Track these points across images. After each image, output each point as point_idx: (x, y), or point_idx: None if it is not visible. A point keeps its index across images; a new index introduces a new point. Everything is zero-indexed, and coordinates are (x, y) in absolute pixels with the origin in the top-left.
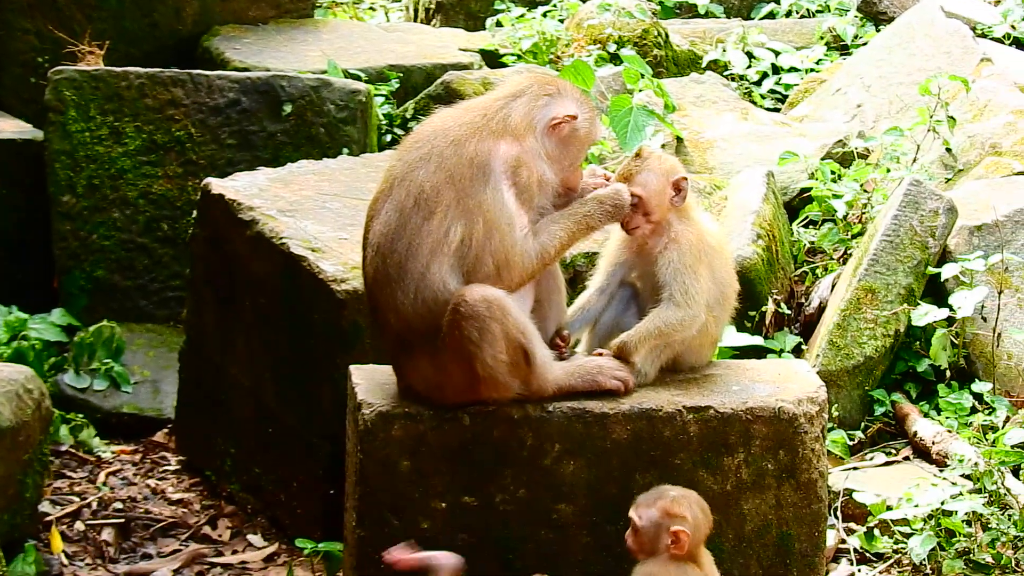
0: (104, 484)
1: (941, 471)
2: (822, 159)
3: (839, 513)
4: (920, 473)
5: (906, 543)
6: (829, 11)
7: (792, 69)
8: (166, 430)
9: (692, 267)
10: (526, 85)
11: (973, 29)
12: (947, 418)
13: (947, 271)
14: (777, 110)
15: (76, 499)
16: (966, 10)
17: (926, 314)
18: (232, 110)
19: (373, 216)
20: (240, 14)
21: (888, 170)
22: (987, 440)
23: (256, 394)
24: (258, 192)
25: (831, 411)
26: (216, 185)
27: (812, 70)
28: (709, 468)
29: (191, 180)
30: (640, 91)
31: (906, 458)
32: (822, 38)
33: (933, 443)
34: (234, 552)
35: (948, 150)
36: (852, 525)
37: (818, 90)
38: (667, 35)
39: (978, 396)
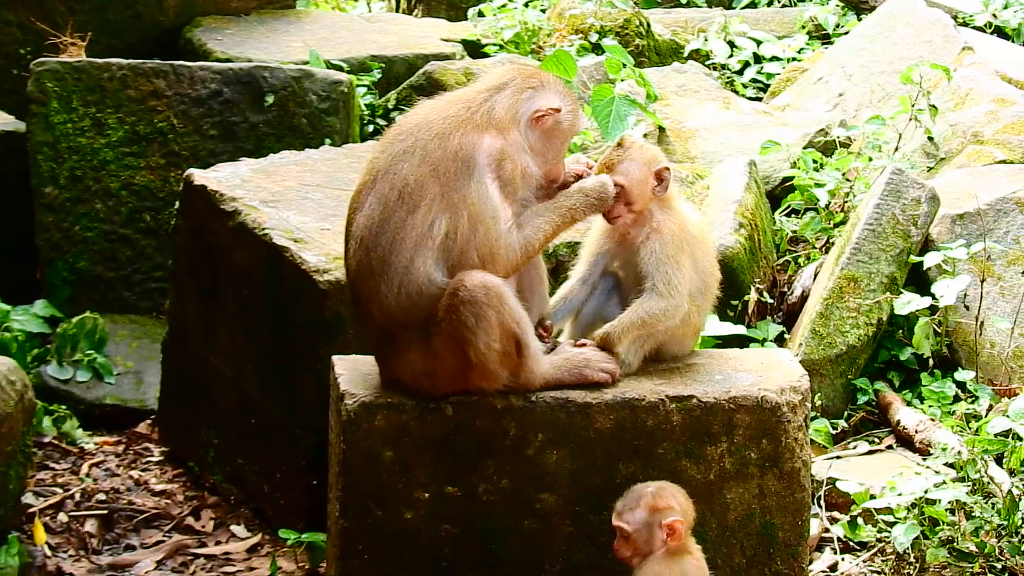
0: (87, 475)
1: (924, 460)
2: (804, 148)
3: (822, 502)
4: (903, 462)
5: (890, 532)
6: (811, 0)
7: (774, 58)
8: (149, 421)
9: (674, 257)
10: (509, 78)
11: (954, 18)
12: (930, 407)
13: (929, 260)
14: (759, 99)
15: (59, 491)
16: None
17: (909, 303)
18: (214, 101)
19: (356, 208)
20: (222, 5)
21: (870, 159)
22: (970, 428)
23: (239, 385)
24: (240, 183)
25: (814, 400)
26: (198, 176)
27: (794, 59)
28: (692, 457)
29: (173, 171)
30: (622, 81)
31: (889, 447)
32: (804, 27)
33: (916, 432)
34: (217, 543)
35: (930, 139)
36: (835, 514)
37: (800, 79)
38: (649, 24)
39: (961, 384)
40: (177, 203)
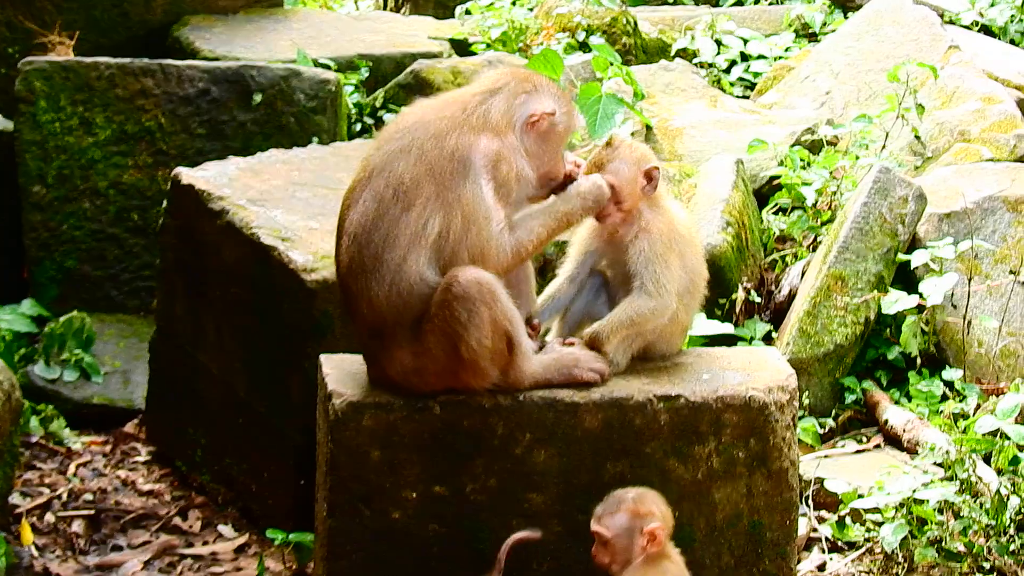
0: (74, 475)
1: (912, 459)
2: (791, 146)
3: (810, 501)
4: (891, 461)
5: (878, 531)
6: None
7: (761, 56)
8: (136, 421)
9: (663, 256)
10: (504, 81)
11: (941, 16)
12: (918, 406)
13: (917, 258)
14: (746, 97)
15: (46, 491)
16: None
17: (896, 301)
18: (202, 100)
19: (350, 205)
20: (210, 4)
21: (857, 157)
22: (958, 428)
23: (227, 384)
24: (228, 182)
25: (802, 399)
26: (186, 175)
27: (781, 57)
28: (680, 457)
29: (161, 170)
30: (609, 79)
31: (877, 446)
32: (791, 25)
33: (904, 431)
34: (205, 543)
35: (917, 137)
36: (823, 513)
37: (787, 77)
38: (636, 23)
39: (949, 383)
40: (165, 202)
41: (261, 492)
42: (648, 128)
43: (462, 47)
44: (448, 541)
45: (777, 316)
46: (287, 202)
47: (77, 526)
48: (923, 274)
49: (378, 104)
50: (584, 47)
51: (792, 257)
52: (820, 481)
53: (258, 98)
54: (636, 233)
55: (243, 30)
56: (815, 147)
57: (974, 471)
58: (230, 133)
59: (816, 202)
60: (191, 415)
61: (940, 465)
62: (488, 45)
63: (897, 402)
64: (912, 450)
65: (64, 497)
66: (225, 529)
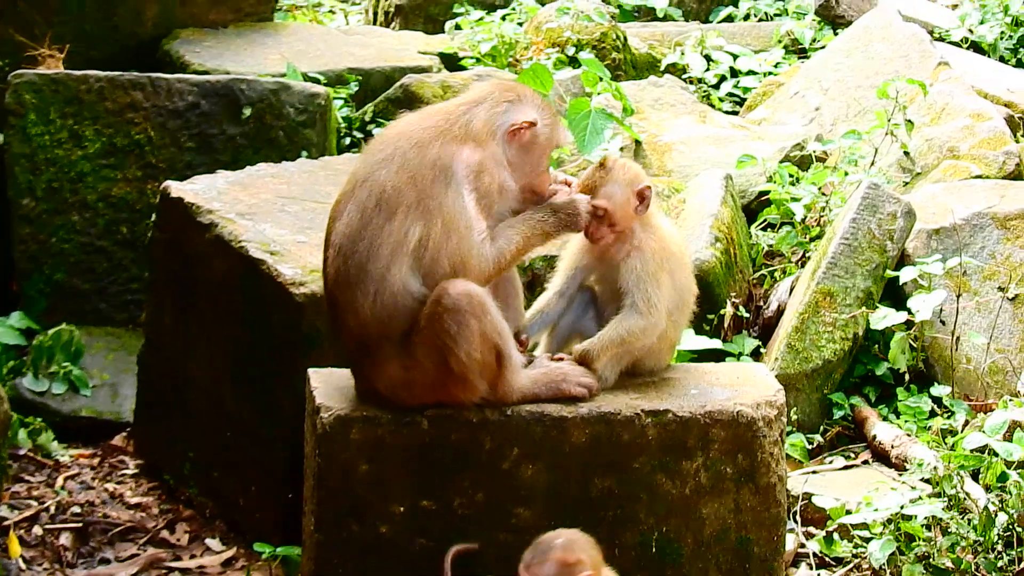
0: (62, 488)
1: (900, 475)
2: (780, 162)
3: (798, 517)
4: (879, 477)
5: (866, 547)
6: (787, 15)
7: (750, 72)
8: (125, 434)
9: (655, 275)
10: (488, 92)
11: (930, 33)
12: (906, 422)
13: (905, 274)
14: (735, 113)
15: (34, 503)
16: (923, 14)
17: (884, 317)
18: (191, 113)
19: (336, 217)
20: (200, 17)
21: (846, 173)
22: (946, 444)
23: (215, 398)
24: (217, 195)
25: (790, 414)
26: (175, 188)
27: (770, 73)
28: (668, 472)
29: (150, 183)
30: (598, 94)
31: (865, 462)
32: (780, 41)
33: (892, 447)
34: (192, 556)
35: (906, 153)
36: (811, 529)
37: (776, 93)
38: (625, 38)
39: (937, 400)
40: (154, 215)
41: (249, 505)
42: (637, 143)
43: (452, 62)
44: (435, 555)
45: (765, 332)
46: (276, 216)
47: (65, 539)
48: (912, 290)
49: (367, 118)
50: (574, 62)
51: (781, 273)
52: (808, 497)
53: (247, 112)
54: (628, 251)
55: (233, 44)
56: (804, 163)
57: (962, 487)
58: (219, 147)
59: (805, 218)
60: (179, 428)
61: (928, 481)
62: (478, 60)
63: (885, 418)
64: (900, 466)
65: (52, 510)
66: (213, 543)
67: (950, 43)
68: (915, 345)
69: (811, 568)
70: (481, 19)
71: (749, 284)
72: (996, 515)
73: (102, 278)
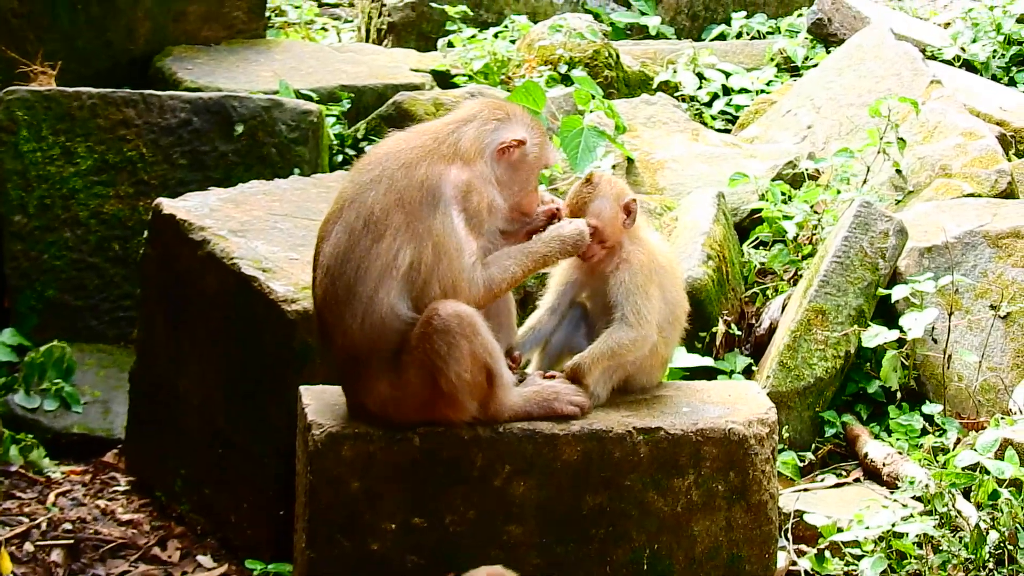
0: (53, 505)
1: (892, 493)
2: (772, 180)
3: (790, 535)
4: (871, 495)
5: (857, 565)
6: (779, 33)
7: (742, 90)
8: (116, 450)
9: (643, 287)
10: (477, 110)
11: (923, 51)
12: (898, 440)
13: (897, 292)
14: (727, 131)
15: (25, 520)
16: (916, 32)
17: (876, 335)
18: (184, 130)
19: (324, 238)
20: (192, 34)
21: (838, 192)
22: (938, 462)
23: (207, 414)
24: (209, 212)
25: (781, 432)
26: (167, 205)
27: (762, 91)
28: (659, 489)
29: (142, 200)
30: (591, 112)
31: (857, 480)
32: (772, 59)
33: (884, 465)
34: (184, 573)
35: (898, 172)
36: (803, 547)
37: (768, 111)
38: (618, 56)
39: (928, 418)
40: (146, 232)
41: (240, 522)
42: (630, 161)
43: (444, 79)
44: (427, 572)
45: (757, 350)
46: (268, 233)
47: (56, 555)
48: (904, 308)
49: (360, 135)
50: (566, 80)
51: (773, 291)
52: (800, 514)
53: (240, 129)
54: (617, 264)
55: (225, 61)
56: (796, 181)
57: (953, 505)
58: (211, 164)
59: (797, 236)
60: (171, 445)
61: (919, 499)
62: (470, 77)
63: (877, 436)
64: (892, 484)
65: (43, 526)
66: (204, 559)
67: (942, 61)
68: (907, 363)
69: None
70: (473, 36)
71: (741, 302)
72: (988, 533)
73: (94, 295)
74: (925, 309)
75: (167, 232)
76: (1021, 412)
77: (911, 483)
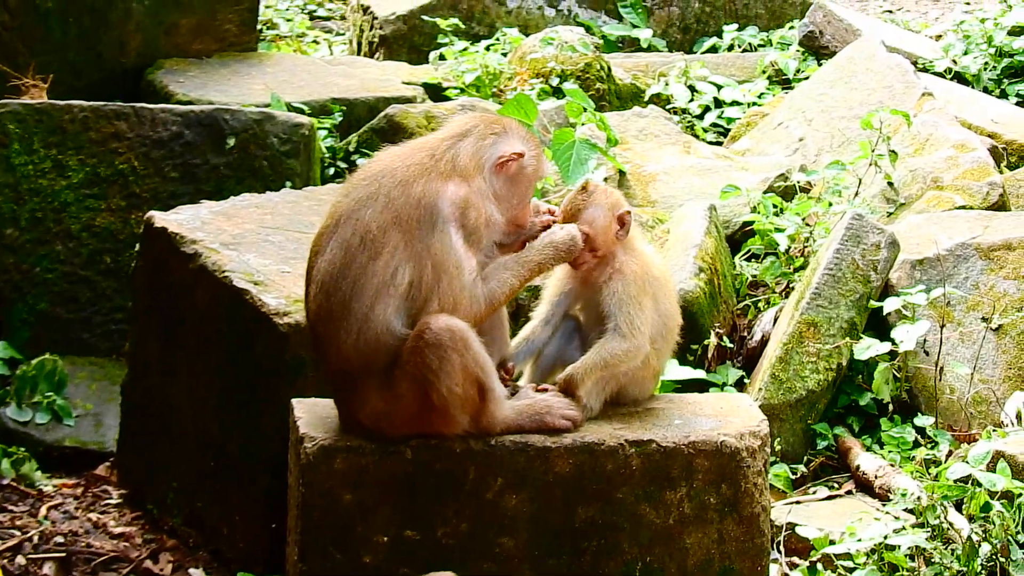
0: (45, 518)
1: (884, 505)
2: (764, 193)
3: (782, 547)
4: (863, 507)
5: None
6: (771, 45)
7: (734, 103)
8: (108, 463)
9: (636, 297)
10: (472, 125)
11: (914, 64)
12: (890, 452)
13: (889, 305)
14: (719, 144)
15: (17, 533)
16: (907, 45)
17: (868, 348)
18: (175, 143)
19: (318, 252)
20: (184, 47)
21: (830, 204)
22: (930, 474)
23: (199, 427)
24: (201, 225)
25: (773, 445)
26: (159, 218)
27: (754, 104)
28: (651, 502)
29: (134, 213)
30: (583, 124)
31: (849, 492)
32: (764, 72)
33: (876, 477)
34: None
35: (890, 184)
36: (795, 559)
37: (760, 124)
38: (610, 69)
39: (921, 430)
40: (137, 245)
41: (232, 535)
42: (621, 174)
43: (436, 92)
44: None
45: (749, 362)
46: (260, 246)
47: (48, 569)
48: (895, 321)
49: (351, 148)
50: (558, 93)
51: (765, 303)
52: (792, 527)
53: (231, 142)
54: (610, 275)
55: (217, 74)
56: (788, 193)
57: (945, 518)
58: (203, 176)
59: (789, 248)
60: (163, 458)
61: (911, 512)
62: (462, 90)
63: (869, 448)
64: (884, 496)
65: (35, 540)
66: (196, 572)
67: (934, 74)
68: (899, 375)
69: None
70: (465, 49)
71: (733, 314)
72: (980, 545)
73: (85, 308)
74: (917, 321)
75: (159, 245)
76: (1013, 424)
77: (903, 495)
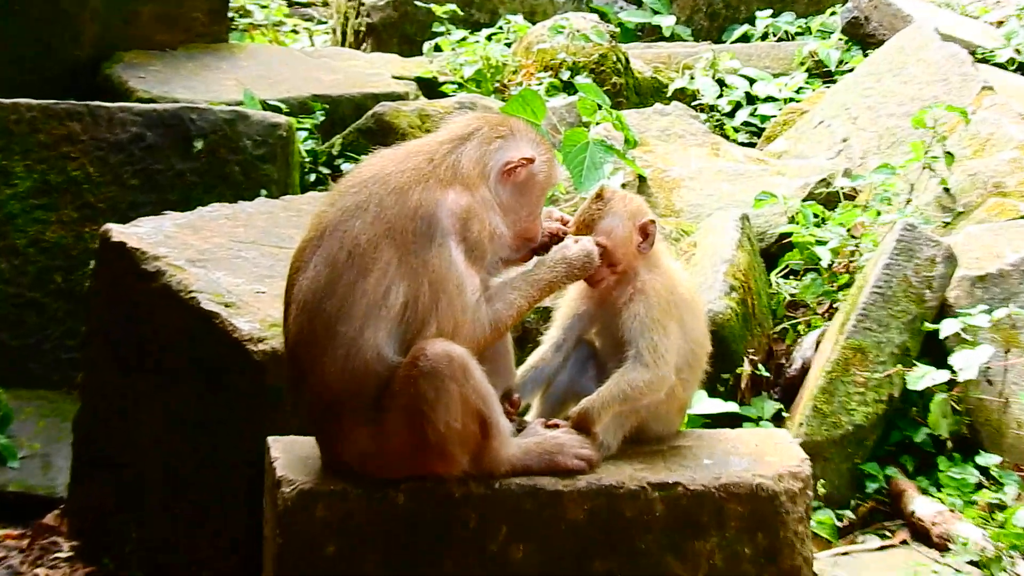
0: None
1: (943, 556)
2: (803, 200)
3: None
4: (919, 559)
5: None
6: (810, 33)
7: (769, 99)
8: (58, 511)
9: (661, 321)
10: (476, 126)
11: (973, 54)
12: (949, 495)
13: (947, 327)
14: (752, 145)
15: None
16: (965, 32)
17: (923, 376)
18: (135, 147)
19: (299, 268)
20: (146, 38)
21: (878, 213)
22: (995, 520)
23: (162, 469)
24: (164, 240)
25: (816, 487)
26: (117, 232)
27: (791, 100)
28: (677, 553)
29: (88, 226)
30: (597, 124)
31: (903, 541)
32: (803, 64)
33: (933, 524)
34: None
35: (946, 190)
36: None
37: (798, 122)
38: (628, 60)
39: (984, 470)
40: (92, 262)
41: None
42: (641, 179)
43: (431, 87)
44: None
45: (788, 393)
46: (232, 263)
47: None
48: (954, 345)
49: (335, 152)
50: (569, 88)
51: (805, 326)
52: None
53: (199, 145)
54: (631, 295)
55: (183, 68)
56: (831, 201)
57: (1013, 570)
58: (167, 184)
59: (832, 264)
60: (121, 504)
61: (975, 564)
62: (460, 85)
63: (925, 491)
64: (943, 546)
65: None
66: None
67: (995, 65)
68: (958, 408)
69: None
70: (464, 39)
71: (769, 339)
72: None
73: (33, 334)
74: (978, 346)
75: (116, 262)
76: None
77: (964, 545)
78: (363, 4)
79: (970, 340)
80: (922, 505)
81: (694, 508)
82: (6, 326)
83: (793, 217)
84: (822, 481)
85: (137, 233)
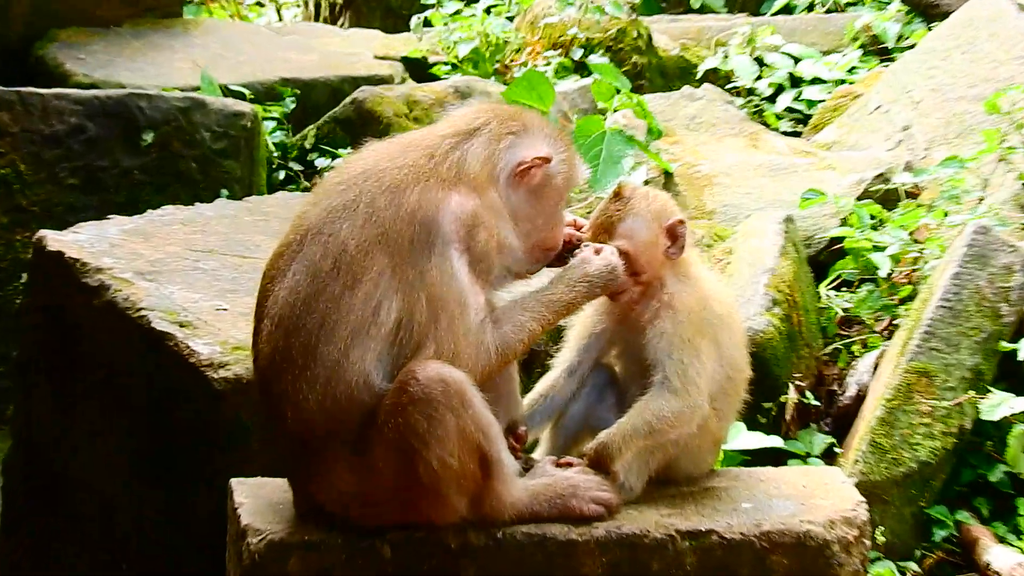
0: None
1: None
2: (858, 199)
3: None
4: None
5: None
6: (864, 4)
7: (816, 80)
8: None
9: (692, 341)
10: (484, 119)
11: None
12: None
13: None
14: (797, 135)
15: None
16: None
17: (1000, 405)
18: (74, 140)
19: (275, 276)
20: (86, 14)
21: (946, 213)
22: None
23: (108, 512)
24: (109, 248)
25: (875, 535)
26: (53, 240)
27: (843, 82)
28: None
29: (19, 233)
30: (615, 111)
31: None
32: (856, 39)
33: None
34: None
35: None
36: None
37: (851, 108)
38: (650, 36)
39: None
40: (24, 275)
41: None
42: (668, 175)
43: (420, 69)
44: None
45: (841, 425)
46: (187, 275)
47: None
48: None
49: (308, 145)
50: (582, 68)
51: (860, 346)
52: None
53: (149, 137)
54: (657, 309)
55: (129, 47)
56: (889, 200)
57: None
58: (111, 184)
59: (891, 273)
60: (59, 552)
61: None
62: (454, 66)
63: (1003, 539)
64: None
65: None
66: None
67: None
68: None
69: None
70: (458, 12)
71: (818, 362)
72: None
73: None
74: None
75: (53, 275)
76: None
77: None
78: None
79: None
80: (999, 555)
81: (731, 560)
82: None
83: (846, 219)
84: (881, 528)
85: (77, 241)
